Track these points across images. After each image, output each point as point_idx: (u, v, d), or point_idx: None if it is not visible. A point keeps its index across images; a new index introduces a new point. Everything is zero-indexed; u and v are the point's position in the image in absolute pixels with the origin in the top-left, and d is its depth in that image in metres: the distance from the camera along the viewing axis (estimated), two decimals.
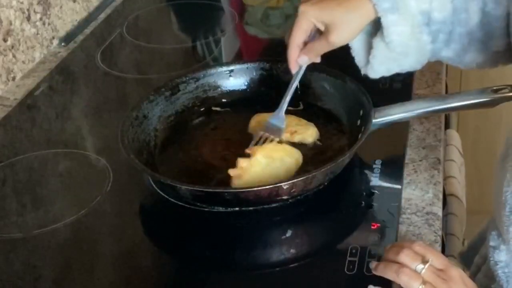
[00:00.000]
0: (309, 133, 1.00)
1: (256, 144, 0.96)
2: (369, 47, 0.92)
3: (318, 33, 0.91)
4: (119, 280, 0.86)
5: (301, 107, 1.06)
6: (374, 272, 0.77)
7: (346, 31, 0.88)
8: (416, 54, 0.91)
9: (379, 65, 0.91)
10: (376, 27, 0.90)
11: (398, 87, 1.13)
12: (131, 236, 0.91)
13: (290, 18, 1.43)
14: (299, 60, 0.93)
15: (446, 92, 1.22)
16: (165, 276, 0.86)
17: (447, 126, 1.23)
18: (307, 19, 0.89)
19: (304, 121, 1.01)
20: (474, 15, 0.88)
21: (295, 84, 0.96)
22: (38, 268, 0.87)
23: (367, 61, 0.92)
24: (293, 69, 0.94)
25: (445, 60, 0.94)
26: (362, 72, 0.95)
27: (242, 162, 0.91)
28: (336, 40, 0.88)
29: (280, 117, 0.98)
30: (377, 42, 0.89)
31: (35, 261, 0.88)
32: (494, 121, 1.84)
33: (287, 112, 0.99)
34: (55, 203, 0.97)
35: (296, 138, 0.99)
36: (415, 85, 1.15)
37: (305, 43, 0.92)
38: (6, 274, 0.86)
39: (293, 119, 1.02)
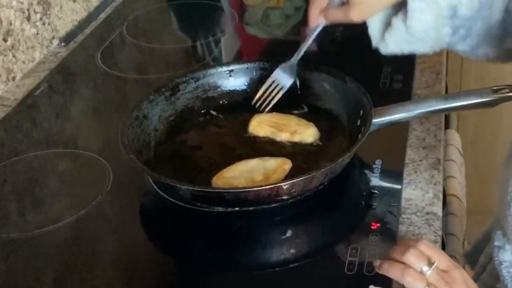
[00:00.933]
0: (308, 133, 1.00)
1: (264, 91, 1.01)
2: (387, 23, 0.91)
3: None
4: (119, 280, 0.86)
5: (306, 109, 1.06)
6: (377, 271, 0.77)
7: (368, 10, 0.89)
8: (432, 42, 0.90)
9: (393, 43, 0.91)
10: (397, 5, 0.89)
11: (398, 87, 1.13)
12: (131, 236, 0.91)
13: (290, 18, 1.43)
14: (317, 19, 0.94)
15: (446, 92, 1.22)
16: (165, 276, 0.86)
17: (447, 126, 1.23)
18: None
19: (304, 121, 1.01)
20: (497, 13, 0.87)
21: (311, 38, 0.98)
22: (38, 268, 0.87)
23: (382, 36, 0.92)
24: (310, 24, 0.96)
25: (459, 52, 0.94)
26: (374, 44, 0.94)
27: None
28: (355, 16, 0.89)
29: (292, 67, 1.01)
30: (397, 22, 0.89)
31: (35, 261, 0.87)
32: (494, 121, 1.85)
33: (289, 113, 0.99)
34: (55, 203, 0.97)
35: (296, 138, 0.99)
36: (415, 85, 1.14)
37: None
38: (6, 274, 0.86)
39: (293, 119, 1.02)
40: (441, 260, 0.75)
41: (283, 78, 1.01)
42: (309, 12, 0.95)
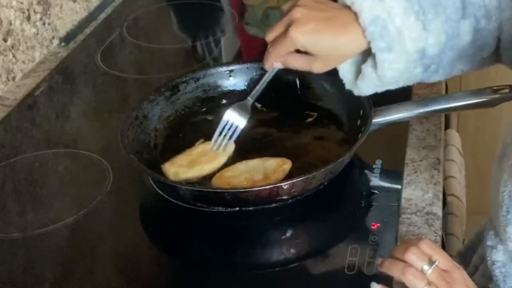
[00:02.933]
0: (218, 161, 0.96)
1: (220, 134, 0.94)
2: (357, 69, 0.91)
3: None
4: (119, 280, 0.86)
5: (315, 114, 1.05)
6: (378, 269, 0.77)
7: (332, 63, 0.89)
8: (405, 81, 0.91)
9: (366, 88, 0.91)
10: (365, 52, 0.88)
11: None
12: (131, 236, 0.91)
13: None
14: (275, 64, 0.91)
15: (446, 92, 1.22)
16: (165, 276, 0.86)
17: (447, 126, 1.23)
18: (295, 45, 0.87)
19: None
20: (466, 36, 0.87)
21: (266, 81, 0.94)
22: (38, 268, 0.87)
23: (354, 82, 0.92)
24: (266, 68, 0.92)
25: (433, 81, 0.94)
26: (347, 87, 0.94)
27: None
28: (319, 68, 0.89)
29: (246, 107, 0.95)
30: (368, 71, 0.88)
31: (35, 261, 0.88)
32: (494, 121, 1.84)
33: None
34: (55, 203, 0.97)
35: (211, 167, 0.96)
36: (415, 85, 1.14)
37: None
38: (6, 274, 0.86)
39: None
40: (442, 259, 0.76)
41: (236, 118, 0.95)
42: (267, 58, 0.90)
